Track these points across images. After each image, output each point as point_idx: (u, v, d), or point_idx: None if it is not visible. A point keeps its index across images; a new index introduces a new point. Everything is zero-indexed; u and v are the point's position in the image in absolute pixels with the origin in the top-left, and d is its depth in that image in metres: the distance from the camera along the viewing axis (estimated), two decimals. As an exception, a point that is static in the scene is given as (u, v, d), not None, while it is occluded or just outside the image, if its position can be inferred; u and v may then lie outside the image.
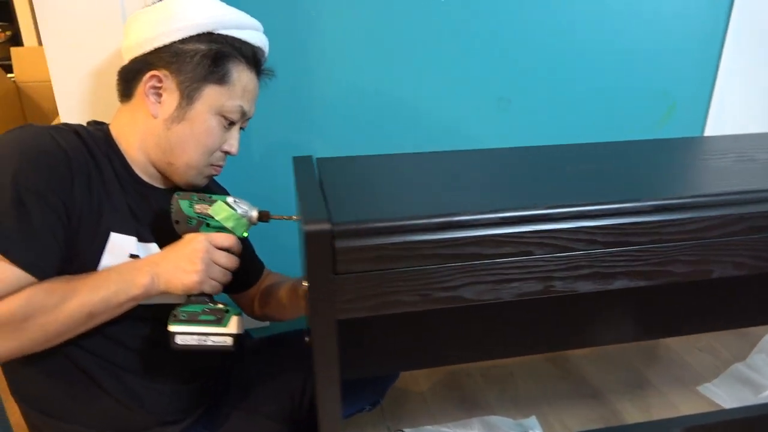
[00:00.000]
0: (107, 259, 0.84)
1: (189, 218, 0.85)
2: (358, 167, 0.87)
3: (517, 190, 0.79)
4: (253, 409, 1.02)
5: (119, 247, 0.85)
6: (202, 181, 0.96)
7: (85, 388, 0.86)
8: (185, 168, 0.92)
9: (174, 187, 0.98)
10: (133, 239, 0.88)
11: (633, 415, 1.46)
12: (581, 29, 1.39)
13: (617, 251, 0.73)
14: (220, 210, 0.86)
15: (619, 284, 0.76)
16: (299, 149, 1.33)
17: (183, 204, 0.85)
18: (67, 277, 0.80)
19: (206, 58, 0.88)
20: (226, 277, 0.87)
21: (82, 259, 0.82)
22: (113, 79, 0.94)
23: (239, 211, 0.87)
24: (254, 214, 0.89)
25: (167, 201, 0.88)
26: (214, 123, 0.91)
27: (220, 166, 0.96)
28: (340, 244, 0.66)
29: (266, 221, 0.89)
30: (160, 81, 0.88)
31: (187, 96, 0.88)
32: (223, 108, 0.90)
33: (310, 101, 1.31)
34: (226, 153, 0.95)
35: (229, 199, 0.87)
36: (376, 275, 0.68)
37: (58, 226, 0.78)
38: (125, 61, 0.92)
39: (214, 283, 0.85)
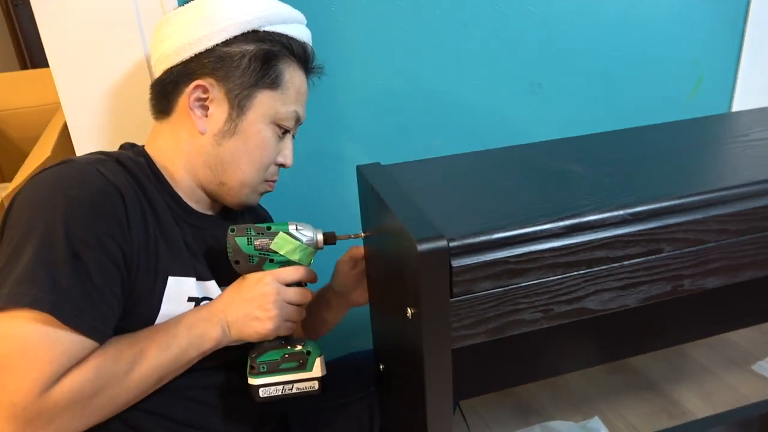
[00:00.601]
0: (166, 308, 0.73)
1: (250, 257, 0.74)
2: (427, 172, 0.78)
3: (620, 184, 0.70)
4: None
5: (177, 292, 0.74)
6: (255, 200, 0.85)
7: None
8: (239, 187, 0.81)
9: (223, 212, 0.87)
10: (191, 281, 0.76)
11: (694, 402, 1.39)
12: (607, 7, 1.32)
13: (747, 239, 0.66)
14: (283, 243, 0.75)
15: (747, 275, 0.68)
16: (330, 155, 1.23)
17: (240, 242, 0.74)
18: (131, 336, 0.68)
19: (256, 60, 0.77)
20: (301, 314, 0.77)
21: (140, 311, 0.71)
22: (131, 97, 0.83)
23: (304, 240, 0.76)
24: (320, 238, 0.77)
25: (220, 230, 0.77)
26: (269, 134, 0.80)
27: (274, 182, 0.86)
28: (458, 262, 0.57)
29: (333, 244, 0.79)
30: (206, 91, 0.77)
31: (238, 105, 0.78)
32: (277, 115, 0.80)
33: (334, 103, 1.21)
34: (281, 165, 0.85)
35: (291, 228, 0.75)
36: (497, 294, 0.59)
37: (117, 280, 0.67)
38: (157, 72, 0.81)
39: (289, 324, 0.75)
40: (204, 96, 0.77)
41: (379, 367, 0.86)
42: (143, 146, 0.82)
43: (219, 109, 0.78)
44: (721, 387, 1.44)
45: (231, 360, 0.77)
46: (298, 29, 0.82)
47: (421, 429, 0.66)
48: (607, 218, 0.60)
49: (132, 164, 0.75)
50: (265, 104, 0.79)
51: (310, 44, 0.86)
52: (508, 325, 0.61)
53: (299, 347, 0.75)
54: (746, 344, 1.58)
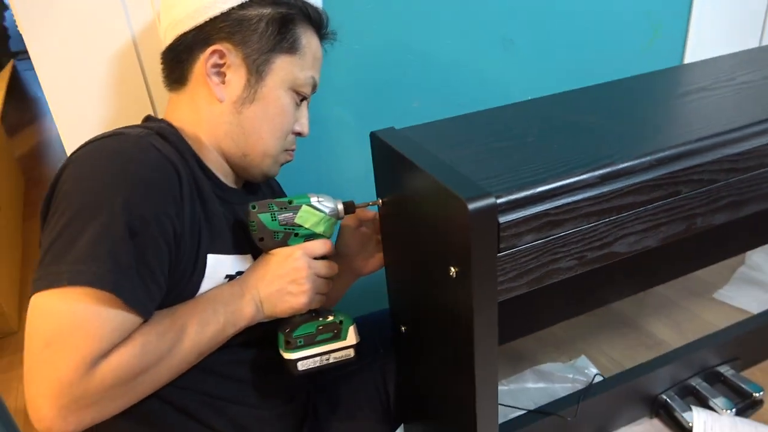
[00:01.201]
0: (205, 286, 0.71)
1: (275, 233, 0.73)
2: (444, 133, 0.78)
3: (638, 132, 0.73)
4: (351, 415, 0.93)
5: (215, 270, 0.72)
6: (276, 170, 0.83)
7: (186, 429, 0.74)
8: (261, 157, 0.79)
9: (245, 187, 0.85)
10: (229, 258, 0.74)
11: (666, 333, 1.50)
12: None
13: (752, 176, 0.71)
14: (307, 216, 0.74)
15: (749, 209, 0.74)
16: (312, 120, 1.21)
17: (264, 218, 0.72)
18: (171, 312, 0.66)
19: (273, 23, 0.74)
20: (330, 285, 0.77)
21: (181, 288, 0.69)
22: (120, 79, 0.78)
23: (327, 211, 0.75)
24: (340, 208, 0.76)
25: (246, 204, 0.75)
26: (287, 100, 0.78)
27: (293, 150, 0.84)
28: (505, 218, 0.58)
29: (353, 212, 0.79)
30: (223, 57, 0.74)
31: (257, 71, 0.75)
32: (296, 81, 0.78)
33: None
34: (298, 134, 0.83)
35: (313, 200, 0.75)
36: (538, 246, 0.62)
37: (166, 258, 0.64)
38: (168, 39, 0.76)
39: (320, 297, 0.76)
40: (221, 62, 0.74)
41: (400, 329, 0.87)
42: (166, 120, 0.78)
43: (237, 75, 0.75)
44: (689, 317, 1.56)
45: (258, 336, 0.77)
46: None
47: (467, 384, 0.69)
48: (637, 165, 0.63)
49: (175, 138, 0.72)
50: (283, 69, 0.76)
51: (320, 3, 0.83)
52: (547, 274, 0.64)
53: (331, 318, 0.76)
54: (706, 276, 1.70)
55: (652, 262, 1.05)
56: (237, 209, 0.79)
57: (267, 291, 0.72)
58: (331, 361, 0.75)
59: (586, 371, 1.36)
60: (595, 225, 0.63)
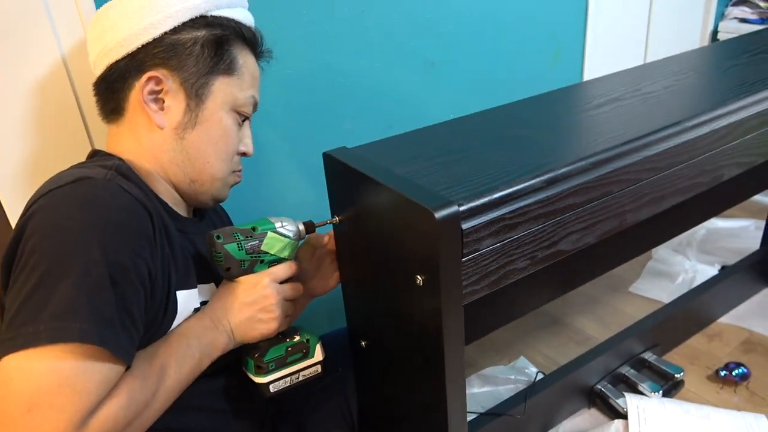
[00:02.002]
0: (177, 322, 0.70)
1: (242, 261, 0.73)
2: (393, 150, 0.82)
3: (569, 141, 0.81)
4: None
5: (186, 306, 0.71)
6: (226, 193, 0.82)
7: None
8: (210, 181, 0.78)
9: (194, 212, 0.83)
10: (194, 292, 0.73)
11: (593, 327, 1.61)
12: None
13: (668, 174, 0.80)
14: (273, 243, 0.74)
15: (668, 203, 0.83)
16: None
17: (231, 248, 0.71)
18: (148, 354, 0.64)
19: (208, 45, 0.74)
20: (296, 306, 0.78)
21: (155, 328, 0.67)
22: (51, 102, 0.75)
23: (291, 235, 0.76)
24: (301, 229, 0.78)
25: (199, 232, 0.74)
26: (230, 121, 0.78)
27: (240, 171, 0.83)
28: (467, 223, 0.63)
29: (313, 231, 0.80)
30: (159, 83, 0.73)
31: (196, 95, 0.74)
32: (236, 102, 0.78)
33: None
34: (242, 155, 0.82)
35: (277, 226, 0.75)
36: (496, 249, 0.66)
37: (143, 300, 0.62)
38: (99, 69, 0.75)
39: (288, 319, 0.76)
40: (158, 88, 0.73)
41: (360, 344, 0.89)
42: (104, 152, 0.76)
43: (175, 101, 0.74)
44: (610, 311, 1.68)
45: (224, 364, 0.76)
46: (243, 13, 0.80)
47: (436, 388, 0.72)
48: (574, 169, 0.69)
49: (133, 176, 0.70)
50: (222, 91, 0.76)
51: (252, 24, 0.83)
52: (505, 275, 0.69)
53: (297, 337, 0.76)
54: (619, 272, 1.84)
55: (573, 264, 1.13)
56: (194, 239, 0.78)
57: (237, 320, 0.72)
58: (300, 379, 0.76)
59: (526, 371, 1.43)
60: (543, 226, 0.69)
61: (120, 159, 0.73)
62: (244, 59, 0.78)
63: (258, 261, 0.74)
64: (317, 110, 1.30)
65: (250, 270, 0.74)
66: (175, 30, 0.72)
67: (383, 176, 0.68)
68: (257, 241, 0.73)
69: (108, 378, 0.57)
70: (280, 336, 0.76)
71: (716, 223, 1.98)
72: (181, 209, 0.80)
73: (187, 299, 0.71)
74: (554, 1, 1.61)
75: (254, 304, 0.72)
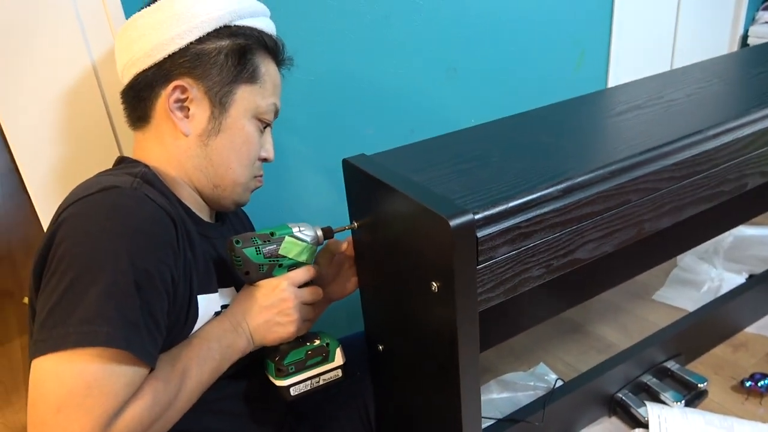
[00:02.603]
0: (198, 326, 0.72)
1: (260, 266, 0.75)
2: (411, 157, 0.83)
3: (588, 149, 0.81)
4: None
5: (206, 310, 0.73)
6: (247, 198, 0.84)
7: None
8: (233, 186, 0.80)
9: (216, 217, 0.86)
10: (215, 296, 0.76)
11: (614, 335, 1.60)
12: (510, 5, 1.45)
13: (688, 183, 0.79)
14: (291, 247, 0.76)
15: (688, 213, 0.82)
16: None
17: (249, 253, 0.74)
18: (170, 357, 0.67)
19: (232, 55, 0.76)
20: (315, 310, 0.80)
21: (177, 330, 0.69)
22: (80, 109, 0.78)
23: (309, 240, 0.78)
24: (320, 234, 0.80)
25: (222, 236, 0.76)
26: (252, 128, 0.80)
27: (261, 176, 0.86)
28: (482, 232, 0.63)
29: (331, 237, 0.82)
30: (185, 91, 0.75)
31: (220, 103, 0.77)
32: (258, 109, 0.80)
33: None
34: (264, 160, 0.84)
35: (294, 231, 0.77)
36: (512, 257, 0.67)
37: (166, 305, 0.65)
38: (127, 78, 0.77)
39: (307, 323, 0.78)
40: (183, 97, 0.75)
41: (378, 348, 0.90)
42: (130, 158, 0.79)
43: (200, 109, 0.76)
44: (633, 319, 1.66)
45: (243, 367, 0.78)
46: (265, 22, 0.82)
47: (451, 394, 0.72)
48: (592, 178, 0.69)
49: (158, 183, 0.72)
50: (246, 99, 0.78)
51: (274, 31, 0.85)
52: (521, 282, 0.69)
53: (317, 341, 0.78)
54: (644, 279, 1.82)
55: (592, 273, 1.13)
56: (216, 243, 0.80)
57: (256, 323, 0.74)
58: (320, 383, 0.78)
59: (546, 378, 1.43)
60: (559, 235, 0.69)
61: (146, 166, 0.75)
62: (267, 67, 0.81)
63: (276, 265, 0.76)
64: (339, 115, 1.32)
65: (269, 274, 0.76)
66: (200, 40, 0.75)
67: (400, 184, 0.69)
68: (275, 245, 0.75)
69: (133, 380, 0.59)
70: (300, 340, 0.78)
71: (744, 230, 1.94)
72: (204, 214, 0.82)
73: (208, 303, 0.73)
74: (579, 6, 1.60)
75: (272, 307, 0.74)
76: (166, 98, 0.75)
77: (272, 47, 0.82)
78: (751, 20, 2.12)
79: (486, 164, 0.76)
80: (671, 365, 1.37)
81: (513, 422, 1.15)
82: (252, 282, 0.76)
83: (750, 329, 1.53)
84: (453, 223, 0.60)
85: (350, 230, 0.84)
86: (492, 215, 0.64)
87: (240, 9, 0.77)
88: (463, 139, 0.88)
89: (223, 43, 0.76)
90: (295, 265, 0.77)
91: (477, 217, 0.62)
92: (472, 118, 1.52)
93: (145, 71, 0.75)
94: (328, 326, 1.09)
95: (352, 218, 0.84)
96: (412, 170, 0.76)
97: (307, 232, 0.78)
